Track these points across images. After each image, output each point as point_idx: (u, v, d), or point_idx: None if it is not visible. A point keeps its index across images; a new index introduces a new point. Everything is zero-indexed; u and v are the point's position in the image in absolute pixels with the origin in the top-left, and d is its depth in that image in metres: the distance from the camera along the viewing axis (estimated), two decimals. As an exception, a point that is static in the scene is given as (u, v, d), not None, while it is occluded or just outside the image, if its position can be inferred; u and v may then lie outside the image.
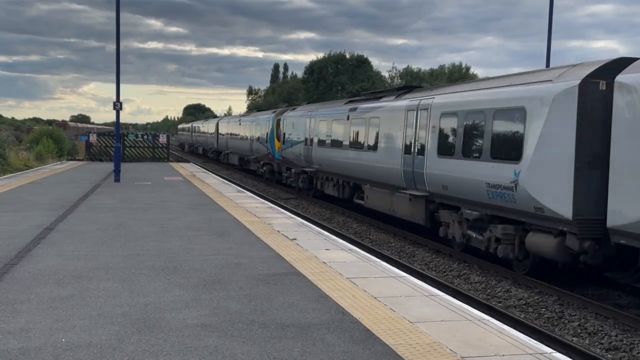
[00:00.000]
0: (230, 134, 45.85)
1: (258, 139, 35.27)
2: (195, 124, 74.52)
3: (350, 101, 22.92)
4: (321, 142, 24.04)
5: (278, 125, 30.98)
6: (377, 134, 18.73)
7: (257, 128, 35.91)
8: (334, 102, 26.89)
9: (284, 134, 29.40)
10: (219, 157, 51.99)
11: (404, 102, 17.48)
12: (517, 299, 11.42)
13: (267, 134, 33.00)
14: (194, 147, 71.90)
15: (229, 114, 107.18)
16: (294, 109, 30.85)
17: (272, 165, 32.75)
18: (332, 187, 23.20)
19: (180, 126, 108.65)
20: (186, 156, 61.30)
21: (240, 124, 42.08)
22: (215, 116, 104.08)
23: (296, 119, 27.97)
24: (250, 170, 39.41)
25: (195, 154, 68.38)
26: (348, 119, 21.33)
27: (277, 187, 31.74)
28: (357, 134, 20.37)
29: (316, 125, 24.80)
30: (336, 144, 22.30)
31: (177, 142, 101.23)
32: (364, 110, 20.27)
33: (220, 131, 51.51)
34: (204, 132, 63.39)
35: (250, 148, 37.71)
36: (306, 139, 25.87)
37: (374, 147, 18.86)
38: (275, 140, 31.28)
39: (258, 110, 44.21)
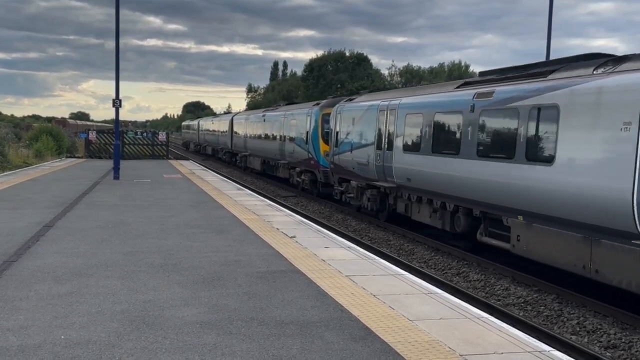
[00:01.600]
0: (250, 132, 38.45)
1: (292, 139, 28.18)
2: (204, 121, 65.64)
3: (473, 83, 14.73)
4: (411, 147, 16.44)
5: (324, 121, 24.51)
6: (557, 134, 10.87)
7: (290, 125, 28.95)
8: (430, 86, 18.54)
9: (337, 132, 21.90)
10: (234, 160, 44.81)
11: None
12: (516, 297, 11.43)
13: (306, 133, 25.97)
14: (202, 147, 64.16)
15: (228, 111, 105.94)
16: (351, 99, 22.53)
17: (315, 173, 25.40)
18: (429, 212, 15.87)
19: (184, 123, 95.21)
20: (189, 156, 55.67)
21: (264, 121, 34.77)
22: (214, 114, 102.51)
23: (361, 113, 20.12)
24: (279, 178, 32.12)
25: (202, 155, 60.82)
26: (473, 110, 13.52)
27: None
28: (498, 135, 12.72)
29: (401, 120, 17.15)
30: (447, 149, 14.55)
31: (181, 141, 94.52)
32: (514, 96, 12.24)
33: (235, 129, 44.10)
34: (213, 131, 55.32)
35: (279, 150, 30.74)
36: (379, 141, 18.37)
37: (549, 159, 11.04)
38: (320, 141, 24.66)
39: (289, 104, 36.07)
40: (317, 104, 26.40)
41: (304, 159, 26.34)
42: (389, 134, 17.77)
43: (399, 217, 18.26)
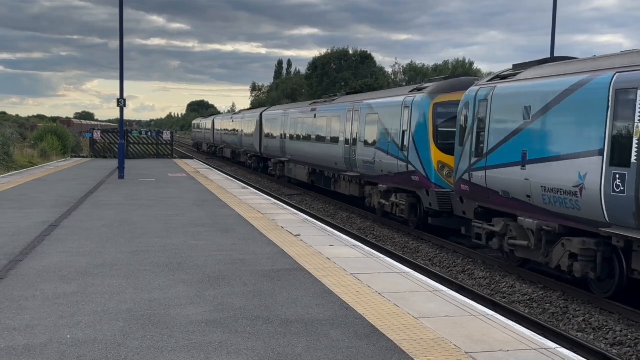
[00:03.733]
0: (292, 132, 29.20)
1: (371, 143, 19.47)
2: (220, 119, 55.51)
3: None
4: None
5: (437, 115, 16.20)
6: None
7: (365, 122, 20.11)
8: None
9: (478, 133, 13.44)
10: (263, 167, 36.64)
11: None
12: (522, 295, 11.41)
13: (402, 133, 17.25)
14: (217, 149, 55.05)
15: (232, 110, 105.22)
16: (506, 75, 13.19)
17: (419, 195, 16.80)
18: None
19: (195, 121, 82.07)
20: (196, 156, 52.53)
21: (315, 117, 25.94)
22: (218, 112, 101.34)
23: (558, 97, 11.02)
24: (338, 195, 24.06)
25: (219, 159, 52.66)
26: None
27: (281, 183, 31.54)
28: None
29: None
30: None
31: (190, 141, 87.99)
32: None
33: (266, 129, 34.51)
34: (234, 130, 45.65)
35: (345, 158, 21.69)
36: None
37: None
38: (432, 145, 16.10)
39: (354, 92, 28.55)
40: (420, 88, 17.25)
41: (397, 173, 17.47)
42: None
43: None
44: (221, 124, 52.75)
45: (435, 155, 16.05)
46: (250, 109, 52.31)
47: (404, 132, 17.16)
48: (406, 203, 17.21)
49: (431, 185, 15.95)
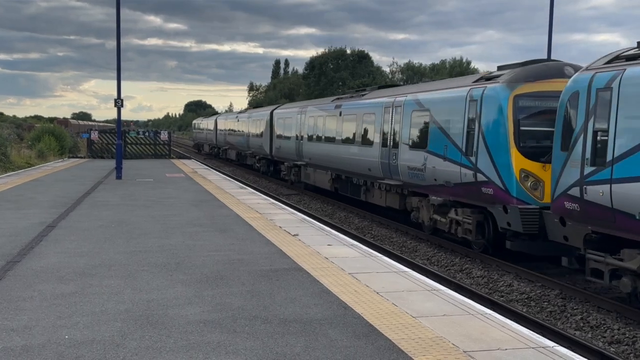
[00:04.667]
0: (309, 133, 25.89)
1: (419, 144, 16.24)
2: (223, 118, 51.73)
3: None
4: None
5: (519, 109, 13.00)
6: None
7: (410, 122, 16.87)
8: None
9: (595, 132, 10.24)
10: (273, 170, 33.50)
11: None
12: (520, 293, 11.42)
13: (464, 135, 14.23)
14: (221, 151, 51.73)
15: (229, 110, 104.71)
16: None
17: (492, 212, 13.45)
18: None
19: (196, 121, 76.91)
20: (194, 156, 51.31)
21: (340, 115, 22.49)
22: (216, 112, 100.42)
23: None
24: (368, 205, 20.99)
25: (223, 161, 49.57)
26: None
27: (279, 183, 31.50)
28: None
29: None
30: None
31: (190, 141, 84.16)
32: None
33: (278, 130, 31.44)
34: (240, 131, 42.17)
35: (381, 163, 18.45)
36: None
37: None
38: (513, 150, 12.85)
39: (388, 86, 23.43)
40: (490, 77, 14.20)
41: (459, 183, 14.20)
42: None
43: None
44: (225, 123, 49.68)
45: (518, 161, 12.61)
46: (257, 107, 48.15)
47: (469, 132, 13.94)
48: (472, 221, 13.80)
49: (511, 199, 12.57)
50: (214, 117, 59.67)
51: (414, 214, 16.90)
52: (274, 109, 33.89)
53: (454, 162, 14.36)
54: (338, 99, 24.44)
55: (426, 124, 15.89)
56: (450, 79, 18.30)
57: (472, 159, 13.67)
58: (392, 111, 17.97)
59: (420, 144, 16.08)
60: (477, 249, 14.26)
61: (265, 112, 35.63)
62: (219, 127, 52.60)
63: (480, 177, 13.36)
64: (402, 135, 17.10)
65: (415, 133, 16.49)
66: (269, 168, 34.55)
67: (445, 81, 17.65)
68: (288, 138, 29.22)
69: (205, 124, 63.98)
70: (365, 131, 19.82)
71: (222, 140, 50.87)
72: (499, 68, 14.55)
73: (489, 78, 14.14)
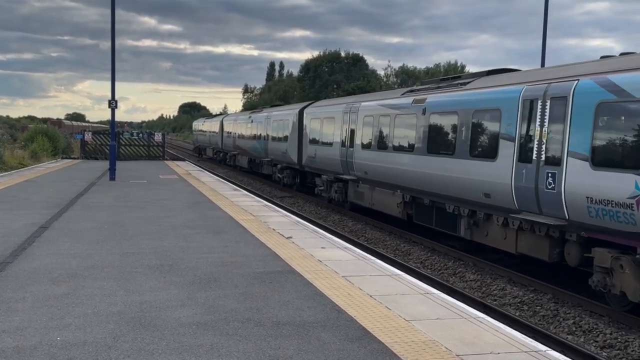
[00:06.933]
0: (365, 140, 19.50)
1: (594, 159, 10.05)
2: (232, 120, 45.10)
3: None
4: None
5: None
6: None
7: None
8: None
9: None
10: (300, 182, 28.08)
11: None
12: (512, 297, 11.44)
13: None
14: (229, 156, 44.74)
15: (224, 112, 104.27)
16: None
17: None
18: None
19: (196, 122, 69.20)
20: (188, 158, 47.84)
21: (457, 111, 14.30)
22: (211, 114, 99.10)
23: None
24: (481, 247, 14.43)
25: (232, 168, 43.12)
26: None
27: (273, 185, 31.45)
28: None
29: None
30: None
31: (190, 145, 77.92)
32: None
33: (310, 133, 25.29)
34: (253, 134, 36.34)
35: (498, 186, 12.54)
36: None
37: None
38: None
39: (493, 72, 14.88)
40: None
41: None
42: None
43: None
44: (234, 125, 42.73)
45: None
46: (277, 105, 39.05)
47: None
48: None
49: None
50: (219, 118, 51.96)
51: (596, 278, 10.28)
52: (305, 107, 27.36)
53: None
54: (410, 91, 17.91)
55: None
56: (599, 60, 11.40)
57: None
58: (542, 106, 11.39)
59: (621, 160, 9.57)
60: None
61: (290, 111, 29.24)
62: (225, 129, 46.16)
63: None
64: (571, 144, 10.60)
65: (607, 140, 9.97)
66: (294, 180, 28.48)
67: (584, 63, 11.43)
68: (328, 144, 22.81)
69: (208, 125, 56.08)
70: (476, 136, 13.61)
71: (229, 145, 44.03)
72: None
73: None
